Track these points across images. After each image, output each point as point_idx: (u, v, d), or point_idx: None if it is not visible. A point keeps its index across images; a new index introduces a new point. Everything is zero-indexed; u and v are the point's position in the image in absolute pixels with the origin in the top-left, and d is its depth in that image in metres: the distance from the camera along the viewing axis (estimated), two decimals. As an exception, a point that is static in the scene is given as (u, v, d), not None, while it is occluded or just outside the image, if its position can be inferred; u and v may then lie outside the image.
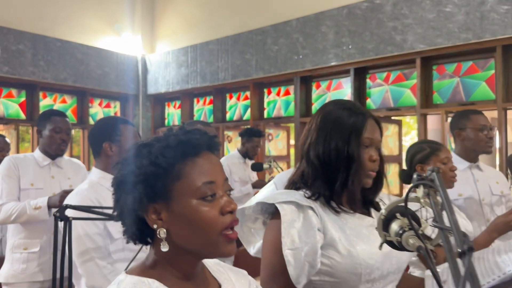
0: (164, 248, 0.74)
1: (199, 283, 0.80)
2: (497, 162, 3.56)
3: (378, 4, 3.97)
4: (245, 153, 3.68)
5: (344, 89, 4.46)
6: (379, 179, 1.19)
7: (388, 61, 4.02)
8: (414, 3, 3.76)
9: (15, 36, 4.73)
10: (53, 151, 2.24)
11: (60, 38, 5.15)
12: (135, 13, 6.02)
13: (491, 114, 3.58)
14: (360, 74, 4.32)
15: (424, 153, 1.87)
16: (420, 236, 0.72)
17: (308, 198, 1.12)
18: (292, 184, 1.20)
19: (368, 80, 4.34)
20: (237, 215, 1.04)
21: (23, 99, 5.06)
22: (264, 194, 1.65)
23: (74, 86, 5.34)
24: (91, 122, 5.69)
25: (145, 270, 0.76)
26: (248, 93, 5.22)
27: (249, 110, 5.19)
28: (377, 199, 1.23)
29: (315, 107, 4.73)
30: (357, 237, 1.09)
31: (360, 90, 4.35)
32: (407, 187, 2.59)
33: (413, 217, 0.79)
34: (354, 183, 1.11)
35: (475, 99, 3.66)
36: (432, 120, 4.53)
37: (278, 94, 5.06)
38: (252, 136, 3.58)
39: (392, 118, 4.27)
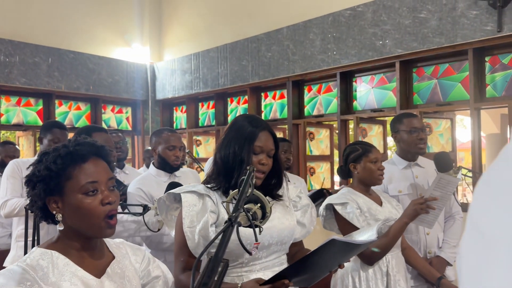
0: (60, 227, 1.05)
1: (94, 254, 1.10)
2: (470, 159, 3.71)
3: (359, 12, 4.19)
4: None
5: (333, 92, 4.69)
6: (278, 178, 1.49)
7: (371, 65, 4.22)
8: (392, 10, 3.96)
9: (31, 49, 5.19)
10: None
11: (73, 50, 5.60)
12: (143, 25, 6.42)
13: (466, 113, 3.74)
14: (347, 78, 4.55)
15: (356, 153, 2.11)
16: (248, 216, 0.99)
17: (209, 188, 1.42)
18: (207, 177, 1.50)
19: (354, 83, 4.56)
20: (159, 205, 1.37)
21: (40, 107, 5.53)
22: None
23: (87, 94, 5.78)
24: (104, 126, 6.12)
25: (51, 244, 1.07)
26: (246, 97, 5.51)
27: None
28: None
29: (307, 109, 4.98)
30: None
31: (347, 93, 4.57)
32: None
33: (254, 202, 1.07)
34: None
35: (452, 99, 3.83)
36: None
37: (274, 97, 5.33)
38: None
39: (377, 118, 4.47)
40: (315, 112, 4.92)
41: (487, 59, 3.65)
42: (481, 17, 3.45)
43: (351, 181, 2.28)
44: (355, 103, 4.55)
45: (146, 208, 1.87)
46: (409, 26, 3.85)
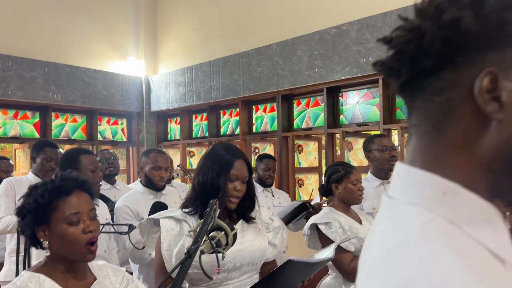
0: (47, 253, 1.20)
1: (78, 276, 1.25)
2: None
3: (344, 30, 4.36)
4: None
5: (321, 106, 4.85)
6: (251, 201, 1.64)
7: (356, 81, 4.38)
8: (375, 29, 4.13)
9: (28, 64, 5.35)
10: (43, 176, 2.74)
11: (69, 64, 5.75)
12: (139, 39, 6.58)
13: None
14: (333, 93, 4.71)
15: (338, 174, 2.26)
16: (212, 244, 1.14)
17: (187, 213, 1.57)
18: (185, 202, 1.65)
19: (340, 98, 4.72)
20: (141, 228, 1.51)
21: (37, 120, 5.68)
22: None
23: (83, 107, 5.93)
24: (100, 138, 6.28)
25: (38, 268, 1.22)
26: (238, 110, 5.67)
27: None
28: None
29: (296, 122, 5.14)
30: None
31: (334, 107, 4.73)
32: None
33: (217, 229, 1.22)
34: (220, 205, 1.56)
35: (432, 115, 3.98)
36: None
37: (264, 110, 5.49)
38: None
39: (362, 132, 4.63)
40: (303, 125, 5.08)
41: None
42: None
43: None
44: (341, 117, 4.71)
45: (131, 227, 2.01)
46: (391, 45, 4.00)
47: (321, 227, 2.12)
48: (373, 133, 4.41)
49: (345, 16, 4.33)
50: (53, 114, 5.77)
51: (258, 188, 3.15)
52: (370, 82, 4.34)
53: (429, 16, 0.53)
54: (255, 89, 5.21)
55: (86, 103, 5.91)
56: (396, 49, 0.56)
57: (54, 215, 1.19)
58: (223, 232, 1.19)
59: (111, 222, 2.20)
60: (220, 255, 1.15)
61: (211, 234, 1.21)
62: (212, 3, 5.84)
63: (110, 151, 3.39)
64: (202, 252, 1.09)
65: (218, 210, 1.18)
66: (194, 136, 6.32)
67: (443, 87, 0.53)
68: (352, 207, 2.29)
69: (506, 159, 0.52)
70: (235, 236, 1.22)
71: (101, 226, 1.78)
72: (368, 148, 2.47)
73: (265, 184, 3.22)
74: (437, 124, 0.54)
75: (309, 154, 5.18)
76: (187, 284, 1.61)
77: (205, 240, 1.14)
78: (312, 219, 2.20)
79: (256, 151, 5.51)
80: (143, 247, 2.18)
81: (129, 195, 2.49)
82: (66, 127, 6.00)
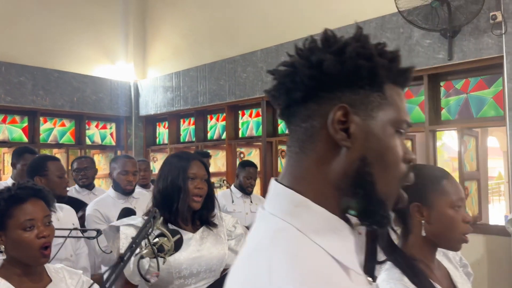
0: (3, 256, 1.26)
1: (34, 279, 1.31)
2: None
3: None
4: None
5: (304, 112, 4.91)
6: (211, 201, 1.70)
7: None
8: (355, 36, 4.19)
9: (16, 69, 5.40)
10: None
11: (58, 69, 5.81)
12: (128, 44, 6.65)
13: (420, 136, 3.96)
14: (317, 99, 4.77)
15: None
16: (153, 249, 1.20)
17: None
18: (147, 210, 1.70)
19: (323, 104, 4.78)
20: (105, 234, 1.57)
21: (25, 124, 5.73)
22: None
23: (71, 111, 5.99)
24: (88, 142, 6.33)
25: None
26: (225, 115, 5.73)
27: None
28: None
29: (280, 128, 5.20)
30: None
31: (317, 113, 4.79)
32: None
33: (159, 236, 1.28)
34: (183, 206, 1.62)
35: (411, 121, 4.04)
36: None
37: (250, 115, 5.55)
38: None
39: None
40: (288, 131, 5.12)
41: (442, 84, 3.89)
42: (433, 46, 3.69)
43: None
44: (324, 122, 4.77)
45: (99, 233, 2.06)
46: (370, 52, 4.07)
47: None
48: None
49: (326, 24, 4.31)
50: (41, 118, 5.82)
51: (237, 194, 3.21)
52: (351, 89, 4.41)
53: (302, 56, 0.63)
54: (240, 95, 5.27)
55: (74, 107, 5.97)
56: (277, 81, 0.66)
57: (10, 221, 1.27)
58: (165, 238, 1.25)
59: (78, 227, 2.25)
60: (161, 260, 1.20)
61: (155, 240, 1.26)
62: (200, 10, 5.91)
63: (88, 159, 3.41)
64: (142, 257, 1.15)
65: (161, 218, 1.24)
66: (182, 140, 6.38)
67: (309, 115, 0.63)
68: None
69: (350, 180, 0.60)
70: (178, 241, 1.28)
71: (68, 231, 1.84)
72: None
73: (246, 192, 3.29)
74: (302, 146, 0.63)
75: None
76: (146, 288, 1.66)
77: (147, 246, 1.19)
78: None
79: (242, 156, 5.57)
80: (111, 252, 2.23)
81: (100, 200, 2.54)
82: (55, 131, 6.04)
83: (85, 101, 6.08)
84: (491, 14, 3.28)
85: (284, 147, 5.11)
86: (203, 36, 5.84)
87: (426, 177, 1.18)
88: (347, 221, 0.63)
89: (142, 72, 6.70)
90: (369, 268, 1.23)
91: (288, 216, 0.60)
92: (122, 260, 1.02)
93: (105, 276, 0.97)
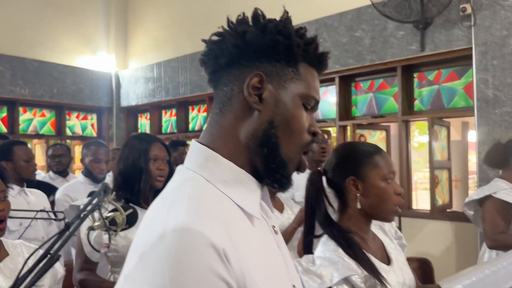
0: None
1: None
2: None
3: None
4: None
5: (283, 103, 4.96)
6: None
7: (315, 78, 4.49)
8: (332, 28, 4.25)
9: (-6, 59, 5.35)
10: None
11: (38, 59, 5.76)
12: (109, 34, 6.62)
13: (395, 125, 4.04)
14: (295, 90, 4.82)
15: None
16: (105, 223, 1.23)
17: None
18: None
19: (302, 95, 4.83)
20: (67, 214, 1.59)
21: (4, 114, 5.68)
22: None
23: (51, 102, 5.95)
24: (69, 133, 6.31)
25: None
26: (206, 106, 5.75)
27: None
28: None
29: (260, 119, 5.24)
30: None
31: (295, 104, 4.84)
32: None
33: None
34: (146, 186, 1.65)
35: (385, 112, 4.12)
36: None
37: (231, 107, 5.58)
38: (178, 146, 4.00)
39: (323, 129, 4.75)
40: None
41: (415, 75, 3.96)
42: (407, 37, 3.76)
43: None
44: (303, 113, 4.82)
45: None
46: (346, 44, 4.14)
47: None
48: (330, 129, 4.54)
49: (304, 16, 4.43)
50: (20, 108, 5.78)
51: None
52: (328, 80, 4.46)
53: (231, 28, 0.72)
54: (220, 86, 5.29)
55: (54, 98, 5.93)
56: (208, 48, 0.75)
57: None
58: (118, 213, 1.28)
59: (46, 210, 2.27)
60: (112, 233, 1.24)
61: (111, 213, 1.30)
62: (181, 1, 5.91)
63: (63, 146, 3.42)
64: (92, 229, 1.19)
65: (113, 193, 1.27)
66: (164, 131, 6.38)
67: (230, 80, 0.70)
68: (282, 195, 2.40)
69: (258, 139, 0.68)
70: (131, 216, 1.31)
71: (36, 213, 1.86)
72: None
73: None
74: (221, 107, 0.71)
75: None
76: (109, 266, 1.69)
77: (100, 219, 1.23)
78: None
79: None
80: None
81: (70, 185, 2.57)
82: (34, 121, 6.01)
83: (66, 92, 6.04)
84: (461, 6, 3.35)
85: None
86: (184, 27, 5.84)
87: (359, 152, 1.24)
88: (256, 177, 0.69)
89: (123, 63, 6.68)
90: (307, 241, 1.29)
91: (199, 168, 0.67)
92: (68, 228, 1.06)
93: (49, 243, 1.00)
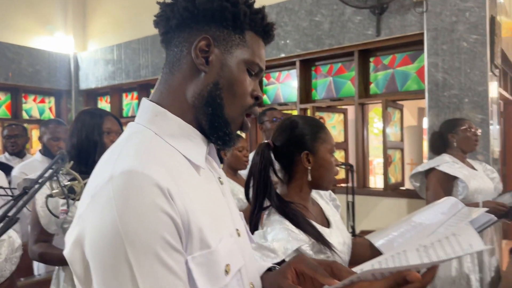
0: None
1: None
2: (351, 155, 4.17)
3: (266, 13, 4.51)
4: None
5: (246, 86, 5.01)
6: None
7: (276, 62, 4.57)
8: (293, 12, 4.32)
9: None
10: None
11: (-10, 39, 5.52)
12: (67, 14, 6.41)
13: (352, 109, 4.19)
14: (257, 73, 4.88)
15: None
16: (64, 190, 1.26)
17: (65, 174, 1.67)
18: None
19: (264, 79, 4.90)
20: (19, 188, 1.57)
21: (-46, 96, 5.43)
22: None
23: (6, 84, 5.73)
24: (25, 116, 6.11)
25: None
26: (168, 89, 5.72)
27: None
28: None
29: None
30: None
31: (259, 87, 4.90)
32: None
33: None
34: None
35: (343, 95, 4.26)
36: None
37: (193, 90, 5.58)
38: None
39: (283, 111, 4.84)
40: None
41: (371, 59, 4.11)
42: (363, 22, 3.88)
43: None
44: (264, 97, 4.90)
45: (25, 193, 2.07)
46: (306, 28, 4.22)
47: None
48: (291, 112, 4.64)
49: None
50: (-28, 90, 5.54)
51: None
52: (289, 64, 4.55)
53: None
54: (182, 68, 5.27)
55: (9, 80, 5.72)
56: (161, 9, 0.78)
57: None
58: (76, 181, 1.31)
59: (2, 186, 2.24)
60: (71, 201, 1.27)
61: (67, 183, 1.32)
62: (142, -19, 5.80)
63: (20, 127, 3.33)
64: (51, 196, 1.21)
65: (71, 162, 1.29)
66: (124, 115, 6.30)
67: (180, 42, 0.74)
68: (243, 172, 2.48)
69: (203, 99, 0.73)
70: (82, 186, 1.34)
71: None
72: (260, 120, 2.68)
73: None
74: (171, 67, 0.75)
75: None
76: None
77: (58, 187, 1.25)
78: None
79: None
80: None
81: (26, 163, 2.53)
82: (-13, 104, 5.78)
83: (22, 74, 5.83)
84: (414, -8, 3.50)
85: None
86: (145, 7, 5.74)
87: (310, 128, 1.31)
88: (202, 133, 0.75)
89: (82, 44, 6.50)
90: (255, 216, 1.35)
91: (148, 123, 0.72)
92: (26, 192, 1.08)
93: (7, 206, 1.02)
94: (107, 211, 0.58)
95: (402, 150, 4.10)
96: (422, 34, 3.54)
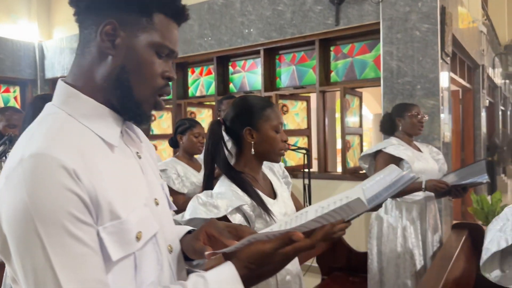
0: None
1: None
2: (314, 142, 4.30)
3: (230, 2, 4.57)
4: None
5: (212, 75, 5.07)
6: None
7: (242, 51, 4.64)
8: (256, 1, 4.39)
9: None
10: None
11: (-51, 26, 5.38)
12: (31, 1, 6.28)
13: (314, 96, 4.31)
14: (223, 62, 4.94)
15: (184, 126, 2.52)
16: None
17: None
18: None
19: (230, 68, 4.97)
20: None
21: None
22: None
23: (-33, 72, 5.61)
24: (-11, 106, 5.99)
25: None
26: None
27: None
28: None
29: (191, 90, 5.32)
30: None
31: (223, 76, 4.98)
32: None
33: None
34: None
35: (305, 83, 4.38)
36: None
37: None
38: None
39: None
40: (198, 93, 5.28)
41: (332, 48, 4.23)
42: (324, 12, 3.99)
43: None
44: (231, 85, 4.97)
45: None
46: (270, 17, 4.30)
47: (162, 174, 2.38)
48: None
49: (229, -12, 4.53)
50: None
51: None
52: (254, 53, 4.63)
53: None
54: (149, 57, 5.27)
55: (-30, 68, 5.60)
56: None
57: None
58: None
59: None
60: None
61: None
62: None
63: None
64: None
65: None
66: (92, 104, 6.25)
67: (89, 24, 0.77)
68: (200, 157, 2.56)
69: (112, 82, 0.76)
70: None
71: None
72: (219, 109, 2.76)
73: None
74: (82, 49, 0.79)
75: (203, 121, 5.39)
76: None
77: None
78: None
79: (152, 118, 5.62)
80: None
81: None
82: (-52, 93, 5.64)
83: (-17, 62, 5.72)
84: (370, -17, 3.63)
85: (194, 109, 5.25)
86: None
87: (254, 106, 1.41)
88: (116, 112, 0.79)
89: (47, 32, 6.40)
90: (208, 184, 1.45)
91: (62, 104, 0.76)
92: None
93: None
94: (18, 191, 0.63)
95: (361, 135, 4.25)
96: (378, 23, 3.68)
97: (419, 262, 2.44)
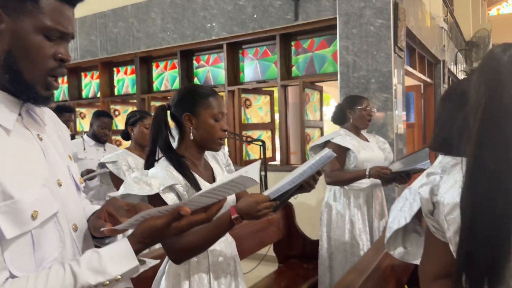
0: None
1: None
2: (277, 135, 4.39)
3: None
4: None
5: (177, 69, 5.07)
6: None
7: (205, 45, 4.67)
8: (218, -5, 4.42)
9: None
10: None
11: None
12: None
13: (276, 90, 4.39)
14: (187, 56, 4.95)
15: (134, 118, 2.54)
16: None
17: None
18: None
19: (194, 62, 4.99)
20: None
21: None
22: None
23: None
24: None
25: None
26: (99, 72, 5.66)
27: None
28: None
29: (155, 85, 5.31)
30: None
31: (188, 71, 4.99)
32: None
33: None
34: None
35: (268, 77, 4.45)
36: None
37: (125, 73, 5.56)
38: (63, 112, 3.95)
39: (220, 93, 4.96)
40: (162, 88, 5.28)
41: (292, 43, 4.31)
42: (283, 7, 4.06)
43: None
44: (195, 80, 4.99)
45: None
46: (231, 11, 4.34)
47: (109, 165, 2.40)
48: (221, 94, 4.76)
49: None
50: None
51: (90, 142, 3.27)
52: (217, 47, 4.66)
53: None
54: (112, 51, 5.24)
55: None
56: None
57: None
58: None
59: None
60: None
61: None
62: (69, -39, 5.64)
63: None
64: None
65: None
66: (55, 100, 6.14)
67: None
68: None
69: (1, 67, 0.78)
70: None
71: None
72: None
73: (99, 141, 3.31)
74: None
75: (168, 116, 5.39)
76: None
77: None
78: (102, 159, 2.48)
79: (117, 113, 5.60)
80: None
81: None
82: None
83: None
84: (327, -21, 3.71)
85: (158, 104, 5.25)
86: (73, -10, 5.61)
87: (196, 93, 1.45)
88: (14, 95, 0.80)
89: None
90: (149, 163, 1.49)
91: None
92: None
93: None
94: None
95: (321, 128, 4.36)
96: (335, 18, 3.77)
97: (366, 247, 2.55)
